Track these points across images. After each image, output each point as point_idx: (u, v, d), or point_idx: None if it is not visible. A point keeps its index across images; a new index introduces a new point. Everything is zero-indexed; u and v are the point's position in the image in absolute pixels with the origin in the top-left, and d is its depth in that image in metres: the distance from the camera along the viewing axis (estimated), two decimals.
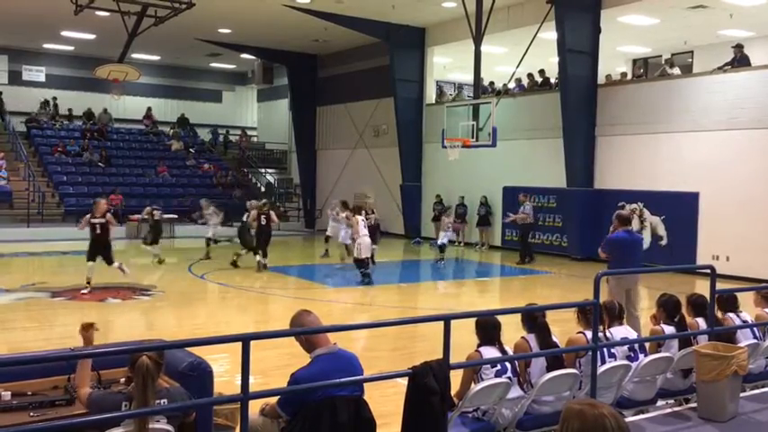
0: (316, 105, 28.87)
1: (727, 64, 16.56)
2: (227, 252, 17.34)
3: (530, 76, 21.41)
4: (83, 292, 12.53)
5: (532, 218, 18.69)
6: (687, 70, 19.76)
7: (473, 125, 17.04)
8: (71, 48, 28.61)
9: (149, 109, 32.13)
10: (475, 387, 4.69)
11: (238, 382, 3.83)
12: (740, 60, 16.46)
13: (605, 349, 5.35)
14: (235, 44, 26.56)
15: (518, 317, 5.44)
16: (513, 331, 5.34)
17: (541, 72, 21.05)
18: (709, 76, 16.94)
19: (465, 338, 5.14)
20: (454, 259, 19.21)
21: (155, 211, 17.99)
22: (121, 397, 3.64)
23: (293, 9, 20.53)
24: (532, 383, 5.01)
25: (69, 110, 30.47)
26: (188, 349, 4.31)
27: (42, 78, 30.38)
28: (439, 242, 18.78)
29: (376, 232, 16.66)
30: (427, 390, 4.30)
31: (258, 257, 16.03)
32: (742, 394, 5.67)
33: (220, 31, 24.31)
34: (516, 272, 17.54)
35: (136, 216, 19.95)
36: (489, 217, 21.05)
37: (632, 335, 5.67)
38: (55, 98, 30.09)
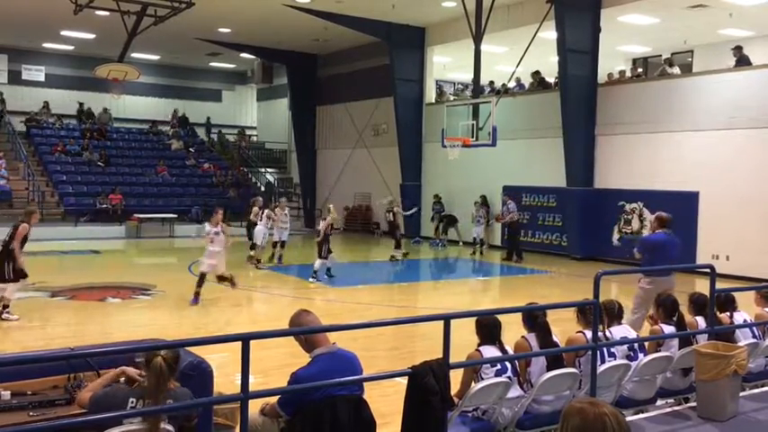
0: (315, 105, 28.87)
1: (737, 66, 16.49)
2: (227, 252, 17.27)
3: (534, 74, 21.29)
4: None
5: (517, 215, 19.05)
6: (687, 70, 19.76)
7: (473, 124, 17.04)
8: (71, 47, 28.60)
9: (176, 111, 32.42)
10: (475, 386, 4.69)
11: (238, 381, 3.83)
12: (740, 61, 16.45)
13: (605, 349, 5.35)
14: (234, 43, 26.56)
15: (519, 316, 5.44)
16: (513, 331, 5.34)
17: (537, 74, 20.95)
18: (709, 76, 16.94)
19: (465, 338, 5.13)
20: (450, 258, 19.19)
21: None
22: (128, 393, 3.64)
23: (293, 8, 20.53)
24: (532, 383, 5.02)
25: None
26: (188, 349, 4.31)
27: (42, 78, 30.38)
28: (474, 236, 20.01)
29: (326, 240, 14.73)
30: (427, 389, 4.30)
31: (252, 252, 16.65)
32: (741, 393, 5.67)
33: (220, 30, 24.30)
34: (516, 271, 17.54)
35: None
36: (488, 216, 21.07)
37: (632, 334, 5.67)
38: (82, 103, 30.12)
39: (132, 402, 3.59)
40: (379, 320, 8.31)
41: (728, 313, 6.45)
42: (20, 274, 10.26)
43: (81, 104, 30.14)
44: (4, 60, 29.68)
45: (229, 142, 32.93)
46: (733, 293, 6.64)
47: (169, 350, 3.75)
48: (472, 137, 17.03)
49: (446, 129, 17.88)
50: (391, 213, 19.15)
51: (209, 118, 33.34)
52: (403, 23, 22.65)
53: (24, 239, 10.32)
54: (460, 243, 21.73)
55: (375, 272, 16.76)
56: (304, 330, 4.32)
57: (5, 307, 10.17)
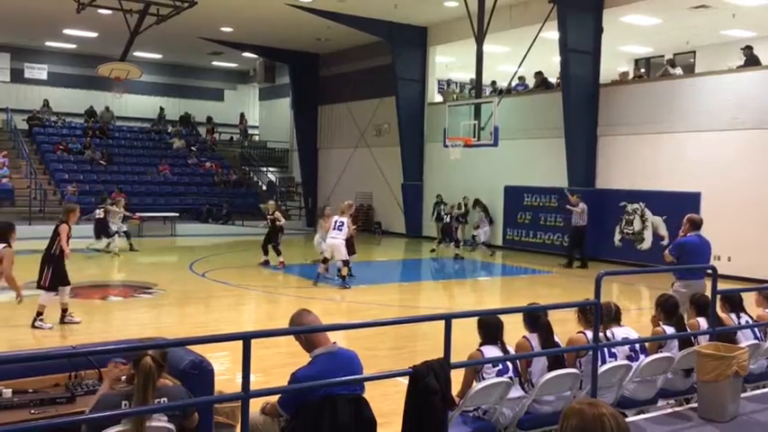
0: (317, 104, 28.88)
1: (740, 67, 16.46)
2: (228, 251, 17.31)
3: (536, 74, 21.21)
4: None
5: (585, 218, 17.50)
6: (689, 70, 19.76)
7: (475, 124, 17.05)
8: (73, 46, 28.63)
9: (243, 115, 32.77)
10: (476, 386, 4.69)
11: (239, 380, 3.83)
12: (749, 61, 16.37)
13: (606, 349, 5.35)
14: (237, 43, 26.57)
15: (520, 316, 5.44)
16: (515, 331, 5.34)
17: (539, 74, 20.91)
18: (712, 77, 16.93)
19: (466, 338, 5.13)
20: (453, 258, 19.18)
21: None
22: (119, 398, 3.63)
23: (295, 8, 20.53)
24: (533, 383, 5.01)
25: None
26: (189, 347, 4.31)
27: (44, 76, 30.41)
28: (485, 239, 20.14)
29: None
30: (428, 389, 4.30)
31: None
32: (743, 395, 5.67)
33: (222, 29, 24.32)
34: (517, 271, 17.54)
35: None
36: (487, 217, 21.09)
37: (633, 335, 5.67)
38: (92, 107, 30.14)
39: (125, 405, 3.59)
40: (380, 320, 8.31)
41: (734, 314, 6.44)
42: (59, 282, 9.81)
43: (91, 107, 30.22)
44: (7, 59, 29.70)
45: (231, 141, 32.99)
46: (741, 294, 6.64)
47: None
48: (474, 137, 17.03)
49: (448, 128, 17.88)
50: (449, 216, 19.77)
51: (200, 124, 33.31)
52: (405, 23, 22.65)
53: (67, 240, 9.83)
54: (462, 243, 21.69)
55: (375, 270, 16.74)
56: (305, 330, 4.32)
57: (65, 311, 9.86)
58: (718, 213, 16.10)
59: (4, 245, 7.85)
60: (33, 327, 9.55)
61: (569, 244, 18.17)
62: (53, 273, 9.74)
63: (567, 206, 17.81)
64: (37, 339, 8.89)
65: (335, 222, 14.01)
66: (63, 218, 10.17)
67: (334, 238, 13.83)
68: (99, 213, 18.21)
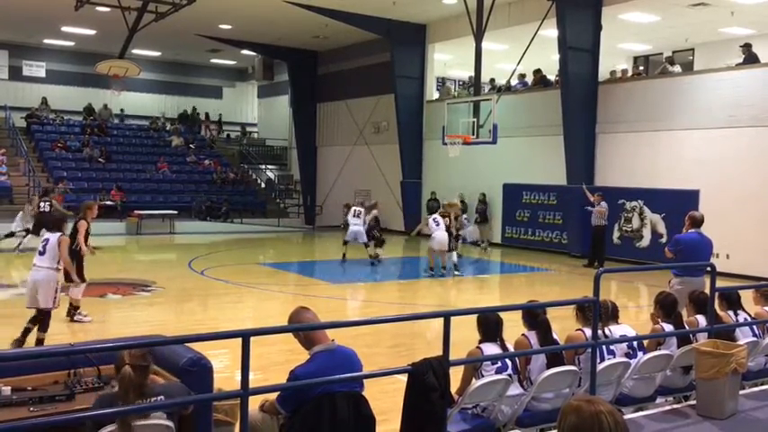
0: (316, 102, 28.88)
1: (738, 65, 16.46)
2: (227, 249, 17.28)
3: (535, 72, 21.19)
4: None
5: (606, 218, 17.00)
6: (688, 68, 19.75)
7: (474, 122, 17.05)
8: (71, 43, 28.61)
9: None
10: (475, 383, 4.70)
11: (238, 378, 3.83)
12: (748, 59, 16.37)
13: (604, 346, 5.36)
14: (235, 40, 26.56)
15: (519, 314, 5.44)
16: (514, 329, 5.34)
17: (538, 72, 20.89)
18: (710, 74, 16.93)
19: (465, 335, 5.14)
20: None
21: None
22: (113, 397, 3.63)
23: (294, 5, 20.52)
24: (532, 380, 5.02)
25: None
26: (188, 345, 4.31)
27: (43, 74, 30.38)
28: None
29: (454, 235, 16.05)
30: (427, 386, 4.30)
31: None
32: (741, 392, 5.68)
33: (221, 26, 24.30)
34: (516, 269, 17.54)
35: None
36: (487, 214, 21.08)
37: (631, 333, 5.67)
38: (90, 104, 30.12)
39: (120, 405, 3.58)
40: (379, 317, 8.31)
41: (732, 312, 6.45)
42: (82, 275, 10.08)
43: (90, 105, 30.22)
44: (5, 56, 29.66)
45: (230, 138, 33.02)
46: (739, 293, 6.65)
47: (135, 351, 3.70)
48: (473, 134, 17.03)
49: (447, 126, 17.87)
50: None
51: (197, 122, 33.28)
52: (404, 20, 22.63)
53: (86, 236, 10.11)
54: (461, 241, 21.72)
55: (375, 268, 16.73)
56: (304, 327, 4.32)
57: (76, 309, 9.99)
58: (716, 211, 16.09)
59: (60, 233, 8.44)
60: (73, 320, 9.84)
61: (592, 245, 17.23)
62: (77, 266, 9.96)
63: (587, 207, 17.05)
64: (74, 333, 8.88)
65: (354, 211, 16.24)
66: (81, 214, 10.36)
67: (356, 225, 16.07)
68: (44, 206, 17.03)
